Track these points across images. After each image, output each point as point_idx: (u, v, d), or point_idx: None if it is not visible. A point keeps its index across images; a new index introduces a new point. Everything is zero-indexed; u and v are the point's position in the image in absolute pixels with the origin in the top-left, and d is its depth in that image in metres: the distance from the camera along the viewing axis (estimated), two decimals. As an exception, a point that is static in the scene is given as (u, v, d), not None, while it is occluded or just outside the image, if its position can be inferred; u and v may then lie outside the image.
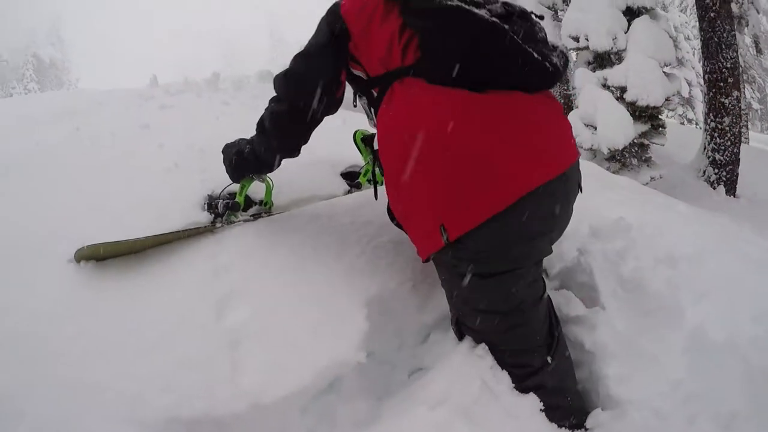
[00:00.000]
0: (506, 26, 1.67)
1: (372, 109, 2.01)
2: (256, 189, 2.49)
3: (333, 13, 1.91)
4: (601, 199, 2.80)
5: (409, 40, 1.74)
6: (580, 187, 1.93)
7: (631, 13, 8.48)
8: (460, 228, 1.66)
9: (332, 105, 2.02)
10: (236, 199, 2.40)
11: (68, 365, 1.71)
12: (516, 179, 1.64)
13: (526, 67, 1.70)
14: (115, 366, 1.70)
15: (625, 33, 8.31)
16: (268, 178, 2.43)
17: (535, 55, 1.69)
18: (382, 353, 1.86)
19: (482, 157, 1.64)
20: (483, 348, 1.88)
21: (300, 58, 1.98)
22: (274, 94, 2.05)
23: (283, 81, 2.00)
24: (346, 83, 2.02)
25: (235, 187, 2.42)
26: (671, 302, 1.99)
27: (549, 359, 1.85)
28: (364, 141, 2.69)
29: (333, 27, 1.89)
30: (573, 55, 10.78)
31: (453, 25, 1.66)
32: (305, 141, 2.11)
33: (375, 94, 1.92)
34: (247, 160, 2.20)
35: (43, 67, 41.74)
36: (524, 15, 1.80)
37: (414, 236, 1.85)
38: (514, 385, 1.83)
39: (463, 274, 1.75)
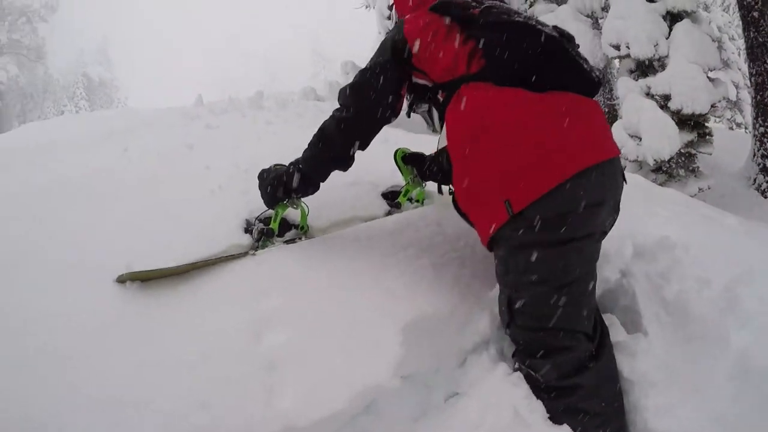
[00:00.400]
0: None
1: (436, 113, 2.23)
2: (294, 213, 2.53)
3: (397, 34, 2.15)
4: (645, 216, 2.76)
5: (473, 51, 1.97)
6: (624, 178, 2.06)
7: (671, 18, 8.31)
8: (523, 200, 1.82)
9: (392, 115, 2.23)
10: (270, 226, 2.44)
11: (107, 381, 1.76)
12: (571, 159, 1.83)
13: (577, 76, 1.98)
14: (153, 383, 1.75)
15: (667, 39, 8.16)
16: (302, 204, 2.46)
17: (584, 65, 1.98)
18: (418, 376, 1.86)
19: (542, 141, 1.84)
20: (518, 376, 1.90)
21: (365, 72, 2.21)
22: (338, 106, 2.26)
23: (350, 92, 2.22)
24: (406, 94, 2.26)
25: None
26: (716, 327, 1.92)
27: (593, 354, 1.93)
28: (404, 160, 2.71)
29: (396, 46, 2.13)
30: (615, 64, 10.64)
31: (518, 37, 1.93)
32: (364, 146, 2.27)
33: (441, 99, 2.10)
34: (290, 179, 2.29)
35: (93, 86, 42.91)
36: (570, 38, 2.06)
37: (478, 218, 2.00)
38: (555, 379, 1.88)
39: (524, 245, 1.87)
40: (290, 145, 2.48)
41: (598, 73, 2.03)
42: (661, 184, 6.98)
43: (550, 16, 9.74)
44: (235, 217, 2.56)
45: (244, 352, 1.85)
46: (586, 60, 2.02)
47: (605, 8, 9.37)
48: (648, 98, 7.88)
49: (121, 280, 2.17)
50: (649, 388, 1.90)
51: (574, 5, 9.73)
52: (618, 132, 7.90)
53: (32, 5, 35.61)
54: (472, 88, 1.95)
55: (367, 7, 13.84)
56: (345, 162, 2.27)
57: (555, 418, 1.84)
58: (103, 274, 2.21)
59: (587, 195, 1.82)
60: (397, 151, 2.73)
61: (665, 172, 8.27)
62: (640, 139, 7.62)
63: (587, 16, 9.78)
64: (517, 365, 1.97)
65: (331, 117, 2.24)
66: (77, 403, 1.68)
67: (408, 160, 2.71)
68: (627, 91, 8.12)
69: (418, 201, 2.91)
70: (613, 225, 2.04)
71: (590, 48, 9.16)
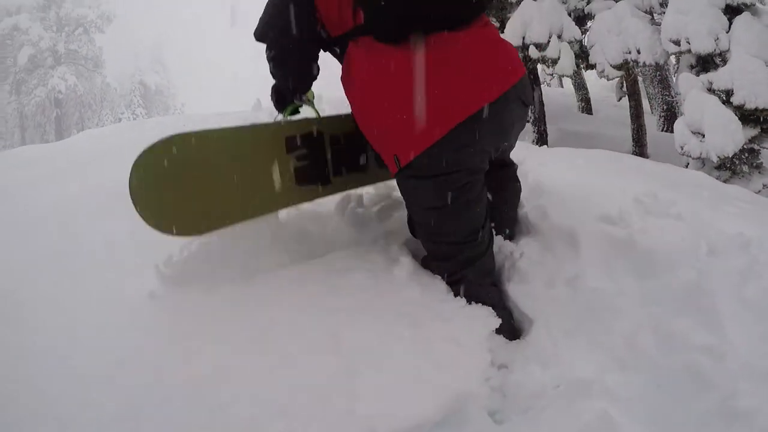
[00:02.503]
0: None
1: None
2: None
3: None
4: (715, 213, 2.68)
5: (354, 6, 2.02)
6: (524, 103, 2.17)
7: (730, 11, 8.09)
8: (406, 159, 2.01)
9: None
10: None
11: (184, 386, 1.72)
12: (447, 114, 1.94)
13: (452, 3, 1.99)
14: (231, 389, 1.71)
15: (727, 33, 7.95)
16: (309, 100, 2.48)
17: None
18: (505, 383, 1.81)
19: (418, 101, 1.93)
20: (609, 377, 1.84)
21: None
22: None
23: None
24: None
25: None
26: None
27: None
28: None
29: None
30: (671, 60, 10.38)
31: None
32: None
33: (338, 52, 2.20)
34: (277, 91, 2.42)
35: (149, 94, 43.79)
36: None
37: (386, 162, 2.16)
38: (447, 276, 2.19)
39: (411, 180, 2.10)
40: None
41: None
42: (724, 181, 6.81)
43: (608, 13, 9.59)
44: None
45: (323, 355, 1.80)
46: None
47: (663, 4, 9.16)
48: (710, 94, 7.68)
49: (166, 149, 2.04)
50: (737, 390, 1.81)
51: (632, 1, 9.54)
52: (680, 129, 7.73)
53: (88, 16, 36.85)
54: (357, 46, 2.06)
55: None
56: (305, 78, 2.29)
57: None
58: (168, 276, 2.18)
59: (464, 141, 1.96)
60: None
61: (728, 168, 8.06)
62: (703, 135, 7.44)
63: (645, 11, 9.57)
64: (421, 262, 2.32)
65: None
66: (148, 406, 1.65)
67: None
68: (689, 87, 7.90)
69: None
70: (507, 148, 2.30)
71: (649, 44, 8.97)
